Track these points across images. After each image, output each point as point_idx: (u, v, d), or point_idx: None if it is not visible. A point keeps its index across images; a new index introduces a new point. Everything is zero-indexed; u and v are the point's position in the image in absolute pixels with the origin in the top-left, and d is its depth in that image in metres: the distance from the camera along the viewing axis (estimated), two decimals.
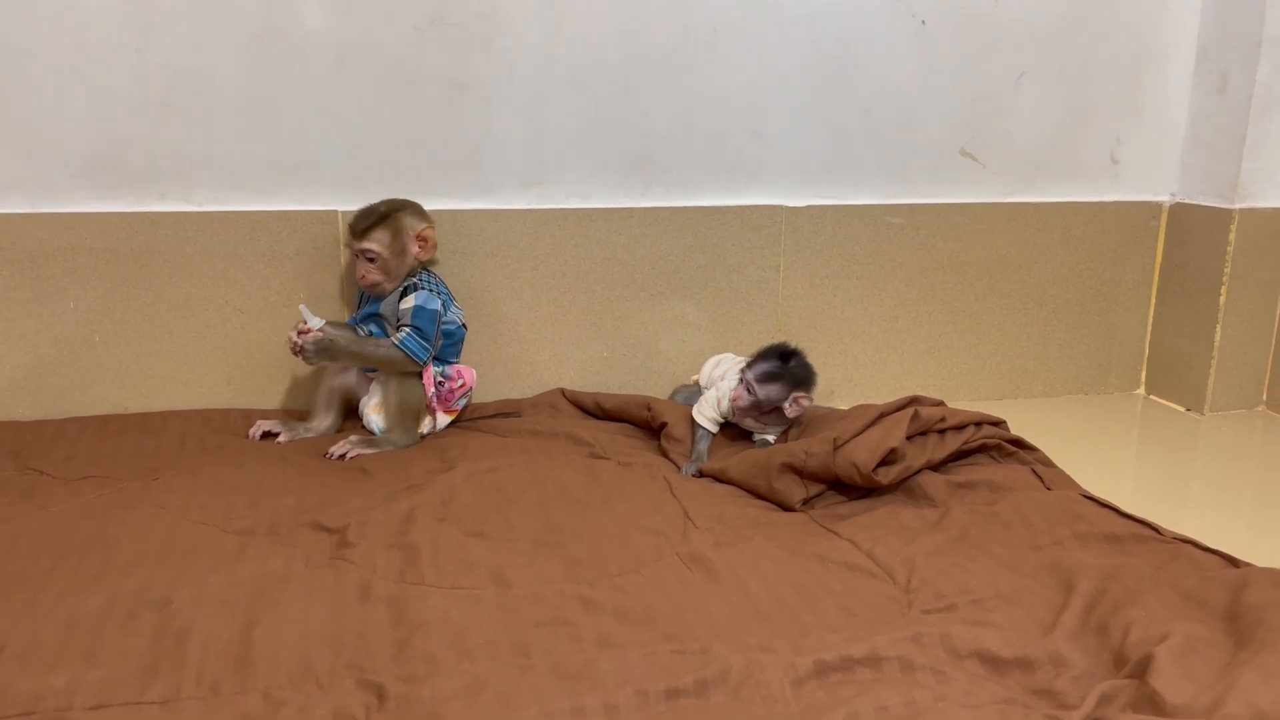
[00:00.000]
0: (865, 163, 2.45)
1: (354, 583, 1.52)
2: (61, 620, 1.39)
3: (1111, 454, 2.31)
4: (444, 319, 2.10)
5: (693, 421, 2.09)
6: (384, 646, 1.35)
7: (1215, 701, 1.12)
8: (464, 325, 2.17)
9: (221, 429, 2.13)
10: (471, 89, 2.23)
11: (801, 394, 2.00)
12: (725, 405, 2.06)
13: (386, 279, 2.07)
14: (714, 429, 2.08)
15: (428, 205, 2.24)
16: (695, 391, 2.24)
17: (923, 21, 2.39)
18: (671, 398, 2.34)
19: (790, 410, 2.00)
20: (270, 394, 2.26)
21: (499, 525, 1.72)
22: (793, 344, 2.04)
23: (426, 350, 2.06)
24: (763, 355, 2.03)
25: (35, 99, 2.06)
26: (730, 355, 2.28)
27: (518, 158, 2.28)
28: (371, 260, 2.05)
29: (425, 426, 2.12)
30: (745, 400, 2.01)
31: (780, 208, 2.41)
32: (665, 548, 1.65)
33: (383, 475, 1.92)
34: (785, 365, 2.00)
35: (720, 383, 2.11)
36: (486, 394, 2.35)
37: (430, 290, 2.08)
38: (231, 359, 2.23)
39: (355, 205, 2.21)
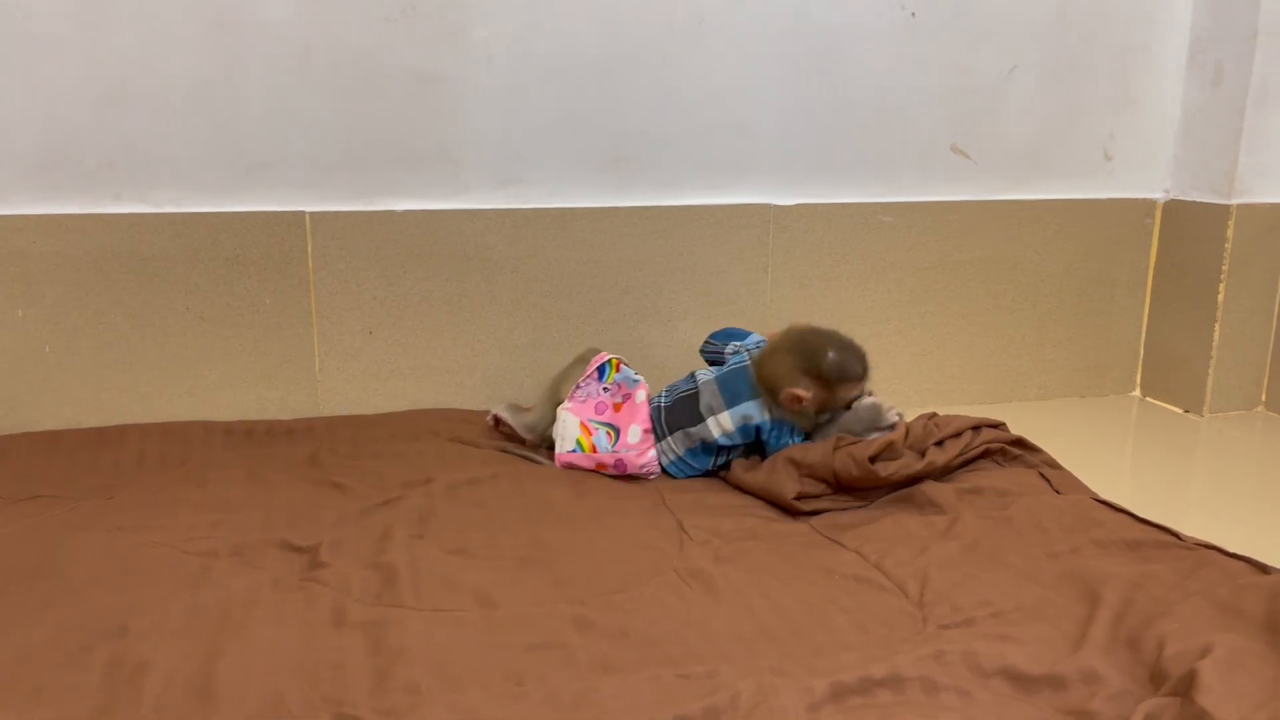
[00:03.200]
0: (854, 159, 2.37)
1: (327, 606, 1.40)
2: (5, 655, 1.26)
3: (1110, 458, 2.24)
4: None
5: None
6: (362, 676, 1.24)
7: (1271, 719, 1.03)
8: None
9: (184, 443, 2.00)
10: (444, 83, 2.12)
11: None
12: None
13: None
14: None
15: (399, 206, 2.15)
16: None
17: (912, 14, 2.32)
18: None
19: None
20: (235, 406, 2.13)
21: (482, 542, 1.61)
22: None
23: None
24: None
25: None
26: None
27: (493, 155, 2.18)
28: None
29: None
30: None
31: (768, 206, 2.32)
32: (661, 563, 1.55)
33: (356, 489, 1.81)
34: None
35: None
36: (464, 402, 2.24)
37: None
38: (193, 369, 2.11)
39: (322, 206, 2.11)
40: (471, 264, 2.19)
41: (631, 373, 1.96)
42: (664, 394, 1.92)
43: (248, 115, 2.05)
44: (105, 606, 1.38)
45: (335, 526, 1.65)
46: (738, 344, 1.97)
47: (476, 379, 2.24)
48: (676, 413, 1.85)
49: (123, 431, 2.02)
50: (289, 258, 2.10)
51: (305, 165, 2.09)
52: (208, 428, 2.06)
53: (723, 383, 1.85)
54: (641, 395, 1.86)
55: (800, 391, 1.77)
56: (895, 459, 1.76)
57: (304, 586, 1.46)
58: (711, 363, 2.00)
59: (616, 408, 1.86)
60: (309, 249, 2.11)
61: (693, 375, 1.92)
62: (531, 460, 1.96)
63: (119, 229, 2.02)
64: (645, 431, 1.84)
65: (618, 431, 1.85)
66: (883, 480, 1.74)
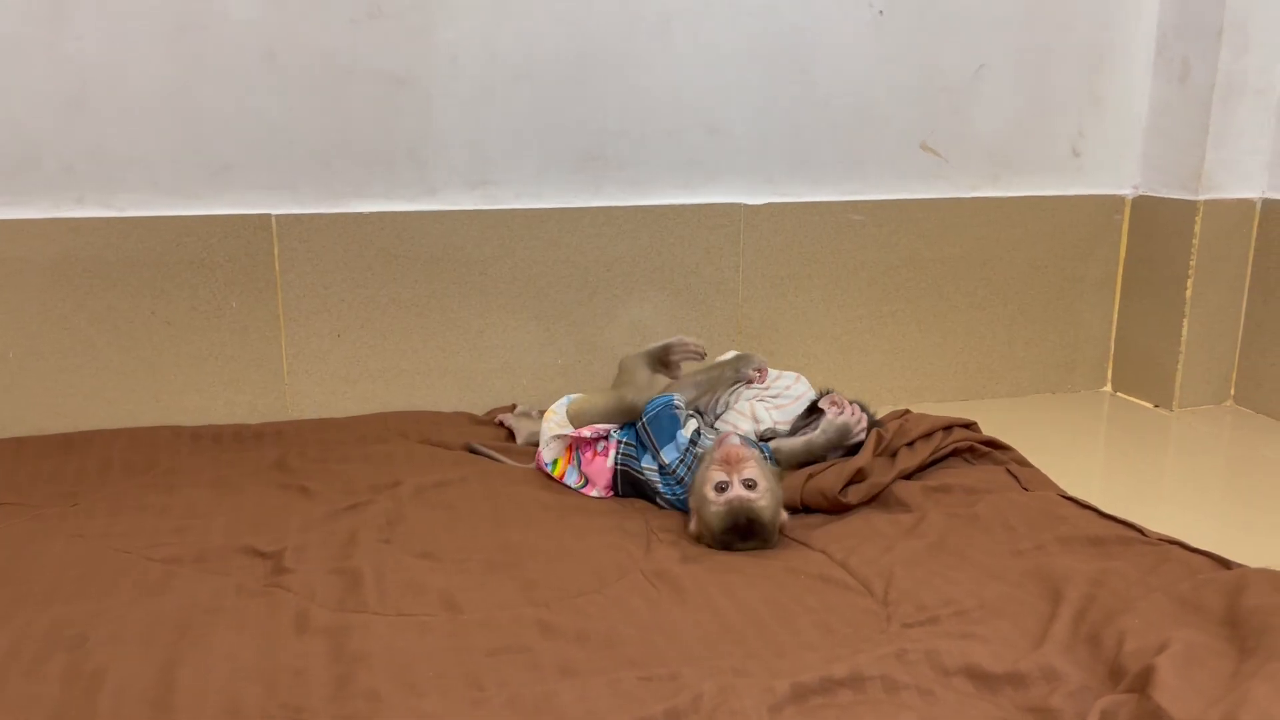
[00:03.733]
0: (824, 158, 2.37)
1: (290, 613, 1.39)
2: None
3: (1081, 454, 2.25)
4: None
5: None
6: (322, 683, 1.23)
7: (1226, 716, 1.04)
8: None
9: (150, 449, 1.99)
10: (411, 84, 2.11)
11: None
12: (774, 430, 1.92)
13: None
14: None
15: (367, 208, 2.13)
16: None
17: (880, 11, 2.32)
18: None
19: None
20: (203, 410, 2.12)
21: (449, 545, 1.61)
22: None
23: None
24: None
25: None
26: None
27: (462, 156, 2.17)
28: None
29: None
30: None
31: (739, 205, 2.32)
32: (628, 564, 1.55)
33: (323, 493, 1.80)
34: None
35: (774, 412, 1.96)
36: (435, 404, 2.23)
37: None
38: (160, 374, 2.09)
39: (289, 208, 2.10)
40: (441, 266, 2.18)
41: (617, 431, 1.87)
42: (622, 450, 1.81)
43: (212, 118, 2.03)
44: (65, 615, 1.37)
45: (301, 531, 1.64)
46: (678, 457, 1.77)
47: (447, 381, 2.23)
48: (630, 486, 1.81)
49: (88, 437, 2.00)
50: (255, 261, 2.09)
51: (271, 168, 2.08)
52: (175, 432, 2.05)
53: (679, 502, 1.77)
54: (611, 459, 1.82)
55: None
56: (865, 480, 1.76)
57: (267, 592, 1.45)
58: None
59: (594, 454, 1.84)
60: (275, 252, 2.09)
61: (656, 459, 1.77)
62: (500, 460, 1.95)
63: (82, 233, 2.00)
64: (606, 492, 1.83)
65: (586, 481, 1.85)
66: (852, 506, 1.74)
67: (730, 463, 1.61)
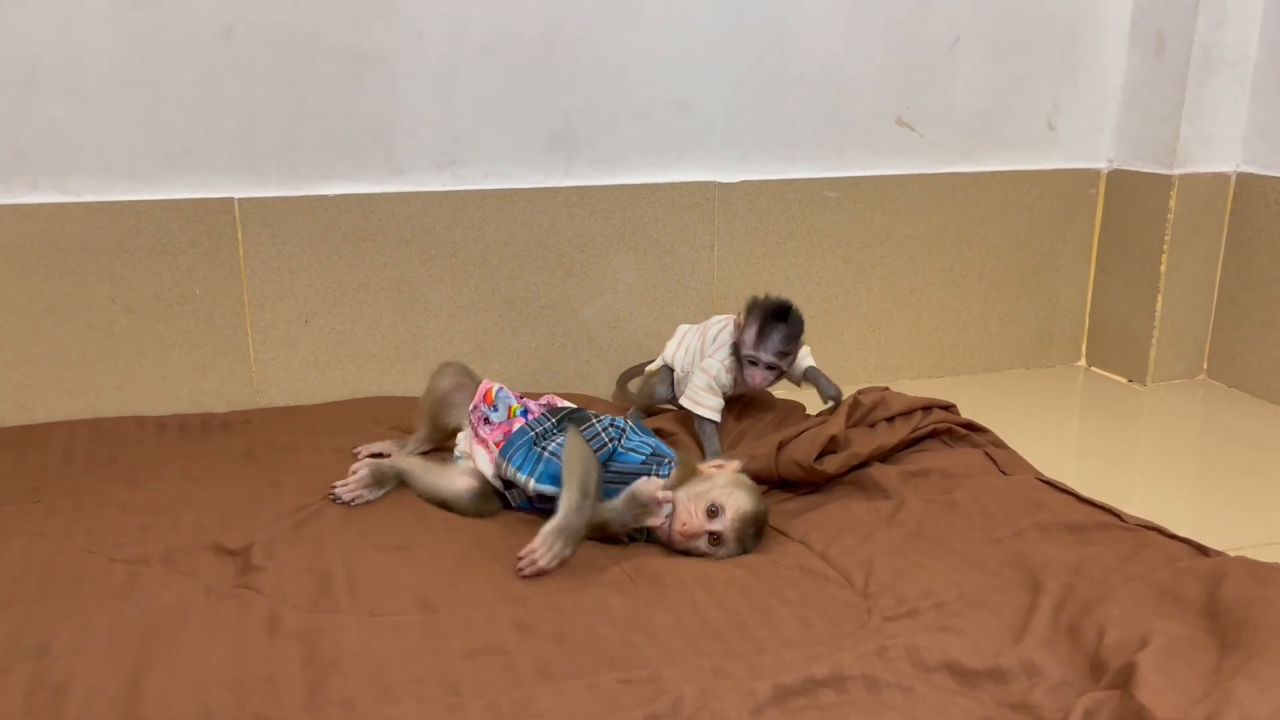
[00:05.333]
0: (799, 134, 2.34)
1: (261, 615, 1.36)
2: None
3: (1056, 429, 2.25)
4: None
5: (693, 416, 1.91)
6: (295, 690, 1.21)
7: (1209, 717, 1.03)
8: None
9: (114, 440, 1.94)
10: (376, 61, 2.05)
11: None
12: (725, 380, 1.91)
13: None
14: (719, 417, 1.91)
15: (333, 190, 2.08)
16: (663, 383, 2.07)
17: None
18: (626, 388, 2.17)
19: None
20: (169, 400, 2.07)
21: (423, 539, 1.58)
22: (771, 295, 1.90)
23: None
24: (762, 329, 1.85)
25: None
26: (685, 325, 2.10)
27: (429, 136, 2.12)
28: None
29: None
30: (769, 379, 1.88)
31: (712, 184, 2.29)
32: (606, 560, 1.53)
33: (293, 485, 1.76)
34: (790, 323, 1.87)
35: (708, 360, 1.92)
36: (406, 390, 2.19)
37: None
38: (122, 363, 2.04)
39: (251, 192, 2.04)
40: (410, 248, 2.14)
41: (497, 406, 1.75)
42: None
43: (169, 98, 1.97)
44: (26, 622, 1.33)
45: (271, 526, 1.60)
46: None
47: (418, 366, 2.19)
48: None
49: (48, 429, 1.95)
50: (218, 246, 2.03)
51: (232, 149, 2.01)
52: (139, 423, 2.00)
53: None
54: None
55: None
56: (840, 450, 1.75)
57: (237, 594, 1.42)
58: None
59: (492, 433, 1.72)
60: (239, 236, 2.04)
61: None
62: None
63: (36, 219, 1.93)
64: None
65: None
66: (830, 476, 1.73)
67: (690, 536, 1.53)
